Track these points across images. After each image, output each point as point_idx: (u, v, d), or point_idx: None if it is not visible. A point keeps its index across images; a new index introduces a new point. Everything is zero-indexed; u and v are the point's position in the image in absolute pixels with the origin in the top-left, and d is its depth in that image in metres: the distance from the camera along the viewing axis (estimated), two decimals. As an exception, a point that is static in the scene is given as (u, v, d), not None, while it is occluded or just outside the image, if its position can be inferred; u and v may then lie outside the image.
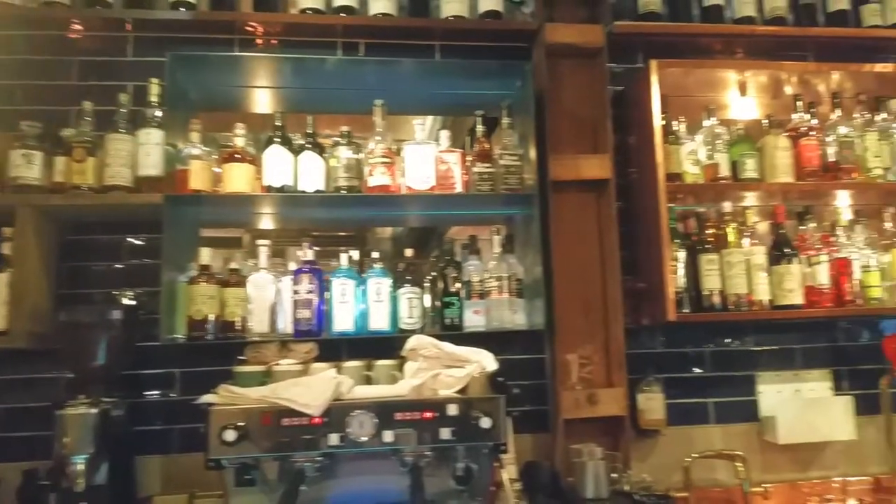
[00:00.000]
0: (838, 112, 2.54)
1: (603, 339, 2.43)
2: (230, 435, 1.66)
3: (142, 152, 2.14)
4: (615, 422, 2.33)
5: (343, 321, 2.14)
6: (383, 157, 2.20)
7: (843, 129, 2.49)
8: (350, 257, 2.23)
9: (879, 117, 2.56)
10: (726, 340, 2.59)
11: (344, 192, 2.19)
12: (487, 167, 2.31)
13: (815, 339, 2.61)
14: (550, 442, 2.38)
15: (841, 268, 2.40)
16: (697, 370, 2.56)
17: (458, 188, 2.30)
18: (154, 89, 2.21)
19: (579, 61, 2.51)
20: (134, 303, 2.27)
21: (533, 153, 2.31)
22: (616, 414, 2.32)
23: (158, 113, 2.18)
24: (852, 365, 2.61)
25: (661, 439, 2.46)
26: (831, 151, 2.48)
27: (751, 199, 2.50)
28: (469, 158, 2.33)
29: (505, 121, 2.39)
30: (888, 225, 2.53)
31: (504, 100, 2.43)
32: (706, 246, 2.37)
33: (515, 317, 2.30)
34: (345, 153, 2.20)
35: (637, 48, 2.68)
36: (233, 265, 2.18)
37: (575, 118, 2.50)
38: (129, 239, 2.34)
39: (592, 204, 2.49)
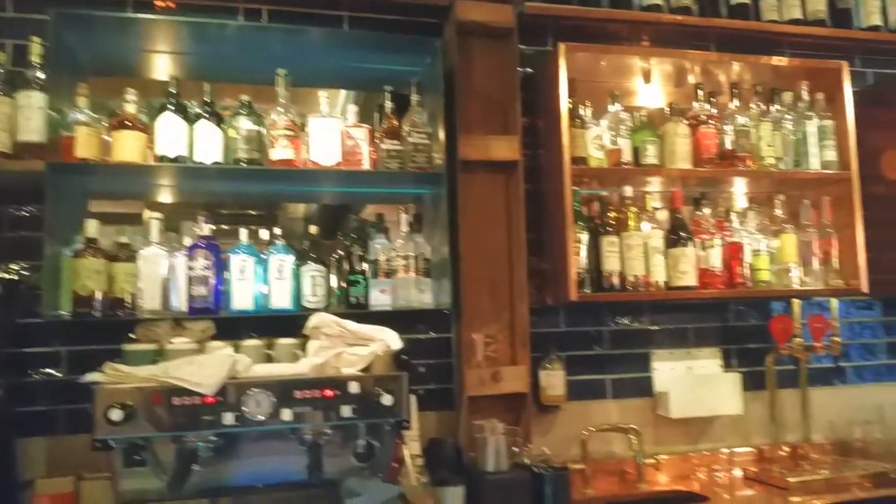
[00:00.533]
0: (736, 102, 2.67)
1: (508, 319, 2.48)
2: (116, 414, 1.61)
3: (22, 116, 2.00)
4: (518, 398, 2.39)
5: (242, 299, 2.10)
6: (286, 129, 2.15)
7: (740, 119, 2.62)
8: (250, 233, 2.17)
9: (774, 108, 2.71)
10: (624, 320, 2.69)
11: (243, 164, 2.13)
12: (396, 145, 2.30)
13: (707, 319, 2.76)
14: (455, 419, 2.42)
15: (733, 252, 2.54)
16: (597, 348, 2.66)
17: (366, 165, 2.28)
18: (35, 49, 2.06)
19: (490, 41, 2.52)
20: (15, 277, 2.15)
21: (442, 132, 2.31)
22: (519, 391, 2.38)
23: (41, 74, 2.04)
24: (741, 344, 2.78)
25: (561, 414, 2.56)
26: (728, 140, 2.60)
27: (651, 184, 2.61)
28: (377, 135, 2.31)
29: (414, 98, 2.38)
30: (778, 212, 2.69)
31: (414, 76, 2.42)
32: (608, 229, 2.46)
33: (422, 296, 2.31)
34: (245, 124, 2.14)
35: (547, 31, 2.72)
36: (122, 239, 2.08)
37: (485, 98, 2.51)
38: (10, 209, 2.20)
39: (501, 185, 2.52)
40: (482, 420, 2.27)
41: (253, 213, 2.47)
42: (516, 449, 2.26)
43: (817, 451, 2.70)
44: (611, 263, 2.42)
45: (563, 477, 2.15)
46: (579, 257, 2.41)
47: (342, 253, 2.29)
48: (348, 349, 1.89)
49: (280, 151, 2.15)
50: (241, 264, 2.10)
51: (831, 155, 2.66)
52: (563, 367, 2.53)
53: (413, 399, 2.18)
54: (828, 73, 2.72)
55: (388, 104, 2.35)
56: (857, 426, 2.72)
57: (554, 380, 2.52)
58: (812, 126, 2.66)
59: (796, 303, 2.57)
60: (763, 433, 2.71)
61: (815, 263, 2.64)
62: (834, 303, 2.62)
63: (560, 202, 2.37)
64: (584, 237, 2.44)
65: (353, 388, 1.77)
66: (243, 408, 1.69)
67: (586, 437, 2.47)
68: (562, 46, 2.41)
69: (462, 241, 2.37)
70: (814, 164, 2.65)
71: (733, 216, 2.63)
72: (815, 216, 2.68)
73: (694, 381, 2.67)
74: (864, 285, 2.59)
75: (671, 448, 2.65)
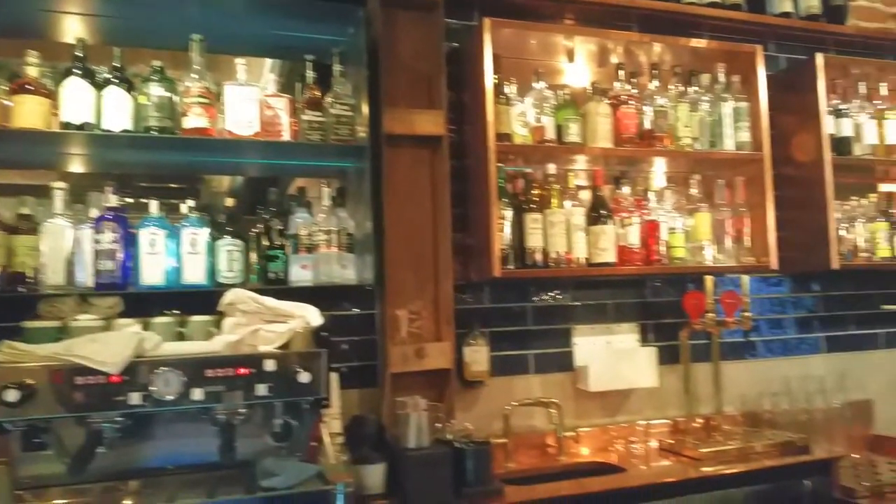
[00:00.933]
0: (656, 83, 2.73)
1: (432, 295, 2.48)
2: (12, 395, 1.52)
3: None
4: (442, 374, 2.40)
5: (152, 274, 2.01)
6: (200, 96, 2.06)
7: (659, 100, 2.68)
8: (162, 206, 2.08)
9: (691, 90, 2.78)
10: (547, 296, 2.73)
11: (154, 132, 2.04)
12: (318, 116, 2.25)
13: (626, 295, 2.84)
14: (378, 396, 2.41)
15: (650, 230, 2.61)
16: (520, 324, 2.69)
17: (286, 136, 2.22)
18: (-80, 4, 1.91)
19: (416, 13, 2.49)
20: None
21: (366, 105, 2.27)
22: (443, 367, 2.39)
23: (-73, 32, 1.89)
24: (657, 319, 2.87)
25: (484, 390, 2.58)
26: (647, 120, 2.66)
27: (574, 162, 2.64)
28: (298, 105, 2.25)
29: (337, 68, 2.33)
30: (694, 191, 2.78)
31: (337, 46, 2.36)
32: (531, 206, 2.48)
33: (345, 272, 2.28)
34: (156, 91, 2.04)
35: (474, 5, 2.71)
36: (23, 210, 1.96)
37: (410, 71, 2.48)
38: None
39: (426, 160, 2.50)
40: (405, 397, 2.27)
41: (174, 185, 2.37)
42: (439, 425, 2.27)
43: (729, 423, 2.82)
44: (534, 240, 2.45)
45: (484, 451, 2.17)
46: (503, 234, 2.43)
47: (261, 227, 2.22)
48: (265, 326, 1.85)
49: (193, 120, 2.06)
50: (150, 237, 2.01)
51: (745, 136, 2.76)
52: (487, 343, 2.56)
53: (334, 377, 2.16)
54: (743, 56, 2.82)
55: (310, 74, 2.29)
56: (766, 398, 2.85)
57: (478, 356, 2.54)
58: (728, 108, 2.75)
59: (709, 279, 2.66)
60: (678, 405, 2.81)
61: (728, 241, 2.75)
62: (745, 279, 2.72)
63: (484, 178, 2.37)
64: (509, 214, 2.45)
65: (269, 365, 1.74)
66: (151, 387, 1.64)
67: (509, 412, 2.51)
68: (487, 21, 2.40)
69: (386, 217, 2.35)
70: (728, 144, 2.75)
71: (651, 195, 2.70)
72: (728, 196, 2.79)
73: (612, 355, 2.74)
74: (774, 262, 2.72)
75: (591, 421, 2.72)
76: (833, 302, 3.15)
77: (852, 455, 2.74)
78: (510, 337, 2.67)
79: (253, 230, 2.22)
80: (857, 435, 3.01)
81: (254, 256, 2.21)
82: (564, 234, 2.48)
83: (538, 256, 2.45)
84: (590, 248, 2.52)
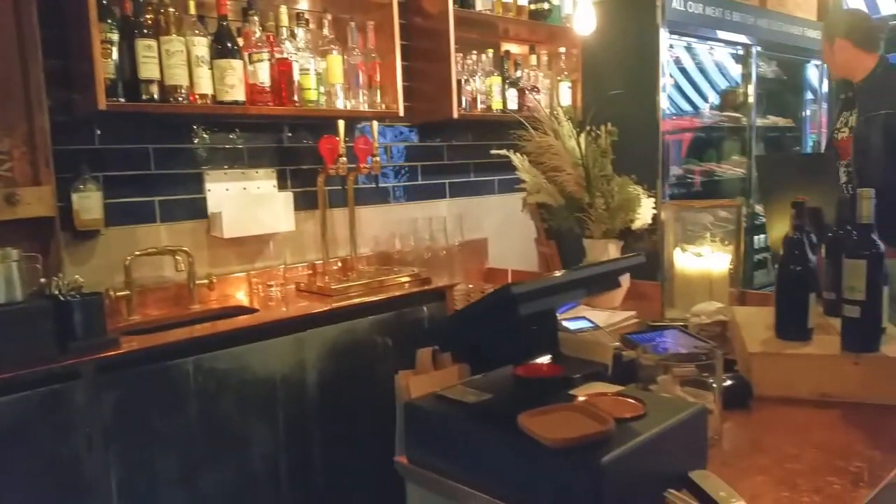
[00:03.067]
0: None
1: (25, 132, 2.15)
2: None
3: None
4: (44, 224, 2.14)
5: None
6: None
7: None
8: None
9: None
10: (174, 138, 2.56)
11: None
12: None
13: (262, 140, 2.80)
14: None
15: (282, 69, 2.57)
16: (143, 168, 2.50)
17: None
18: None
19: None
20: None
21: None
22: (44, 215, 2.13)
23: None
24: (295, 164, 2.90)
25: (101, 240, 2.39)
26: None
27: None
28: None
29: None
30: (326, 32, 2.77)
31: None
32: (144, 31, 2.24)
33: None
34: None
35: None
36: None
37: None
38: None
39: (2, -36, 2.07)
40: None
41: None
42: (44, 280, 2.04)
43: (363, 263, 3.05)
44: (149, 71, 2.24)
45: (93, 303, 2.01)
46: (110, 61, 2.16)
47: None
48: None
49: None
50: None
51: (377, -23, 2.81)
52: (101, 189, 2.33)
53: None
54: None
55: None
56: (396, 239, 3.13)
57: (89, 202, 2.30)
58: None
59: (341, 124, 2.74)
60: (316, 249, 2.94)
61: (361, 87, 2.84)
62: (375, 125, 2.86)
63: (81, -7, 2.06)
64: (115, 38, 2.18)
65: None
66: None
67: (130, 263, 2.36)
68: None
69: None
70: (359, -16, 2.77)
71: (283, 32, 2.62)
72: (361, 40, 2.85)
73: (248, 200, 2.72)
74: (401, 110, 2.90)
75: (227, 269, 2.71)
76: (455, 151, 3.52)
77: (468, 285, 3.18)
78: (131, 182, 2.46)
79: None
80: (474, 268, 3.51)
81: None
82: (185, 67, 2.30)
83: (155, 90, 2.25)
84: (216, 85, 2.39)
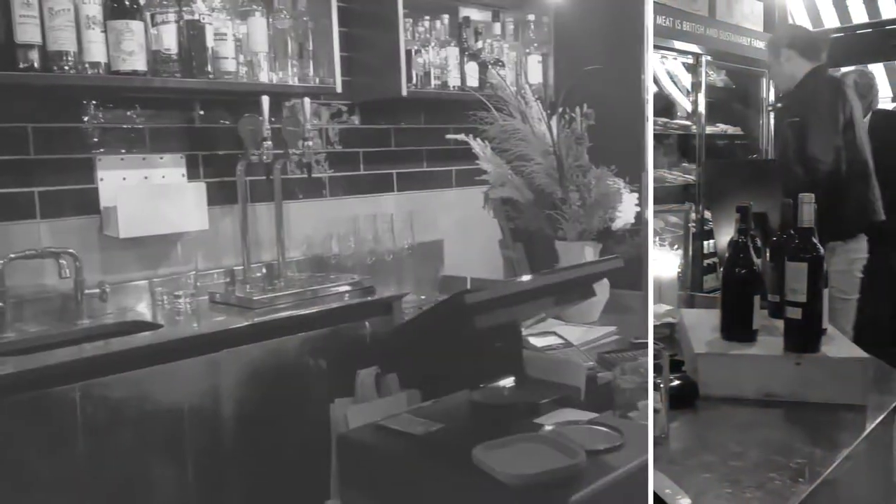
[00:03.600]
0: None
1: None
2: None
3: None
4: None
5: None
6: None
7: None
8: None
9: None
10: (60, 117, 2.52)
11: None
12: None
13: (168, 119, 2.77)
14: None
15: (192, 33, 2.54)
16: (18, 152, 2.44)
17: None
18: None
19: None
20: None
21: None
22: None
23: None
24: (209, 150, 2.87)
25: (-35, 241, 2.33)
26: None
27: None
28: None
29: None
30: (249, -9, 2.76)
31: None
32: (22, -17, 2.20)
33: None
34: None
35: None
36: None
37: None
38: None
39: None
40: None
41: None
42: None
43: (293, 270, 3.03)
44: (28, 33, 2.20)
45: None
46: (-22, 20, 2.12)
47: None
48: None
49: None
50: None
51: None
52: (-35, 177, 2.28)
53: None
54: None
55: None
56: (332, 240, 3.12)
57: (-50, 193, 2.25)
58: None
59: (266, 100, 2.72)
60: (235, 253, 2.92)
61: (290, 56, 2.82)
62: (307, 103, 2.84)
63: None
64: (-16, -8, 2.14)
65: None
66: None
67: (2, 269, 2.30)
68: None
69: None
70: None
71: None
72: (290, 0, 2.84)
73: (151, 193, 2.69)
74: (339, 85, 2.90)
75: (125, 275, 2.67)
76: (404, 135, 3.53)
77: (420, 296, 3.19)
78: (4, 169, 2.41)
79: None
80: (426, 276, 3.52)
81: None
82: (73, 29, 2.28)
83: (34, 56, 2.21)
84: (111, 52, 2.37)
